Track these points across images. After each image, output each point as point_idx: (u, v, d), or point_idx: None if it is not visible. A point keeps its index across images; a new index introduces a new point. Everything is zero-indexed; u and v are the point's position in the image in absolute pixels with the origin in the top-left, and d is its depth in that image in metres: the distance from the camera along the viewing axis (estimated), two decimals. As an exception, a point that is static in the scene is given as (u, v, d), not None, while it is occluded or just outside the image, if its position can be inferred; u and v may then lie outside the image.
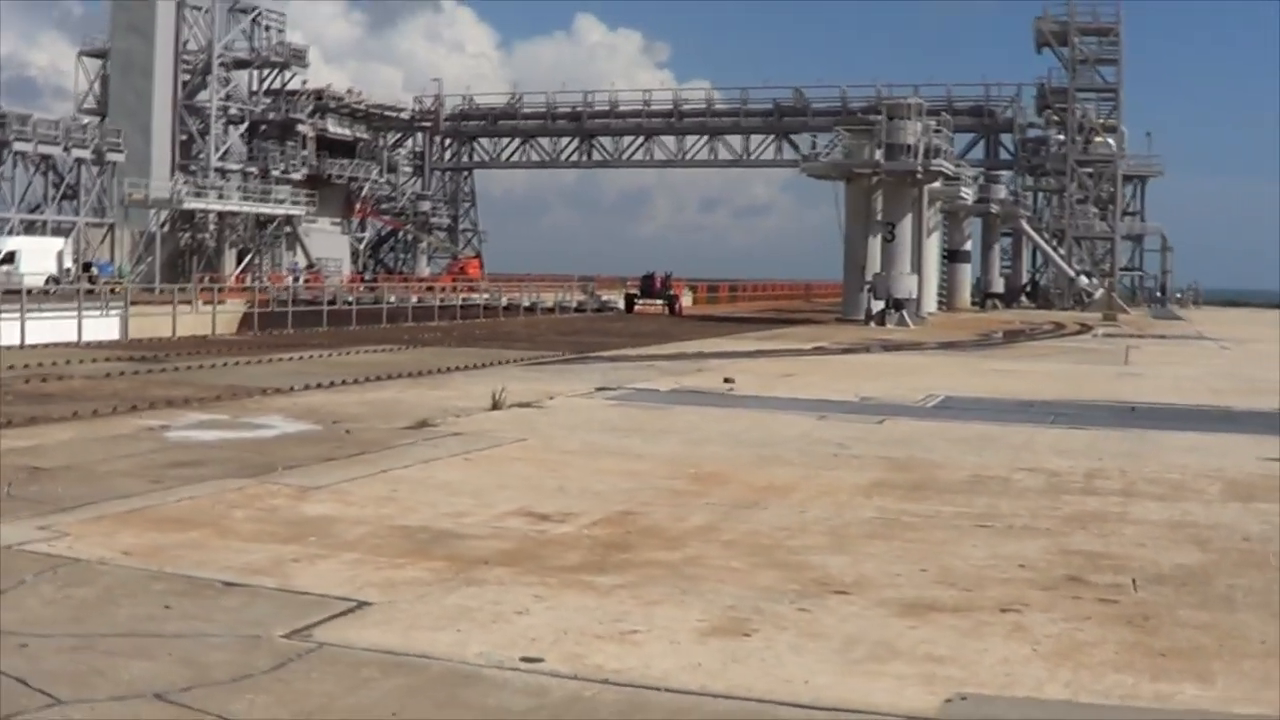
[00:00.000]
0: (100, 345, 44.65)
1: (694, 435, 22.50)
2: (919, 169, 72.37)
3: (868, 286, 71.25)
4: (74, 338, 47.42)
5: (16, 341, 42.63)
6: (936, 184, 78.85)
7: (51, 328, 48.41)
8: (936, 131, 74.72)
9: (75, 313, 50.57)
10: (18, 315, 45.28)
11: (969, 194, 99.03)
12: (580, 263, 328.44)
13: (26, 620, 9.98)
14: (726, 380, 32.56)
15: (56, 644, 9.44)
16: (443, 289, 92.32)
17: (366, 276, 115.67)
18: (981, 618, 11.04)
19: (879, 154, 71.90)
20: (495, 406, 25.01)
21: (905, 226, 71.88)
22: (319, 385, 29.41)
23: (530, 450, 20.03)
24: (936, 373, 38.50)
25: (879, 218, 73.12)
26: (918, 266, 73.22)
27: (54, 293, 64.29)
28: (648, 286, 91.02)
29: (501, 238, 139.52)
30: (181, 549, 12.55)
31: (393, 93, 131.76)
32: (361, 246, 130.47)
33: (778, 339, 54.54)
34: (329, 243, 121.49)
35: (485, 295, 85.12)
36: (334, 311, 65.90)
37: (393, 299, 76.97)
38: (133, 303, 58.41)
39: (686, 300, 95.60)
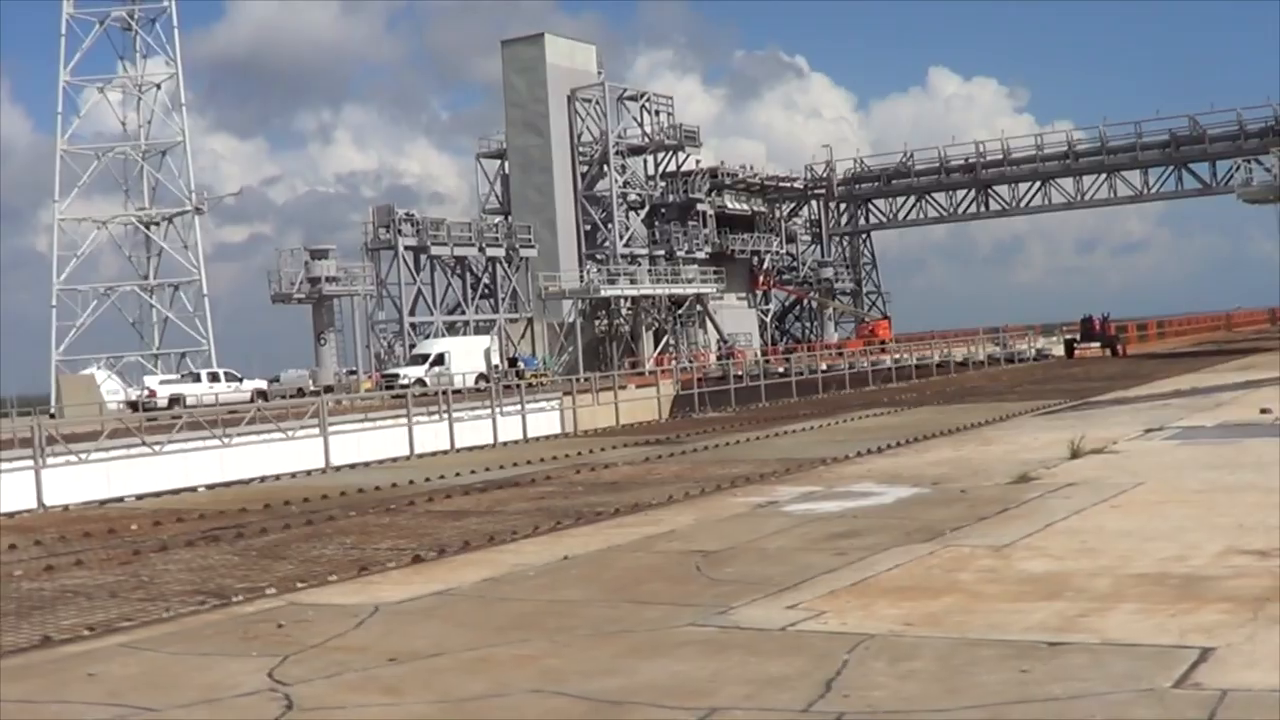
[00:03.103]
0: (593, 434, 45.32)
1: (1302, 466, 21.87)
2: (1363, 181, 69.44)
3: (1323, 307, 69.43)
4: (542, 431, 48.23)
5: (518, 435, 43.71)
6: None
7: (519, 422, 49.40)
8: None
9: (541, 407, 51.61)
10: (516, 412, 46.44)
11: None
12: (962, 315, 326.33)
13: (901, 697, 9.92)
14: (1263, 410, 31.73)
15: (956, 715, 9.37)
16: (853, 353, 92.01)
17: (780, 348, 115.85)
18: None
19: (1318, 170, 69.70)
20: (1074, 455, 24.69)
21: (1357, 242, 69.56)
22: (870, 451, 29.47)
23: (1160, 493, 19.66)
24: None
25: (1324, 236, 70.91)
26: (1373, 282, 70.95)
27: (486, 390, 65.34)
28: (1088, 330, 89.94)
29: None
30: (953, 614, 12.46)
31: (758, 165, 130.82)
32: (768, 319, 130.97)
33: (1251, 369, 53.00)
34: (737, 317, 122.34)
35: (928, 355, 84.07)
36: (780, 384, 65.83)
37: (824, 366, 76.93)
38: (565, 393, 59.18)
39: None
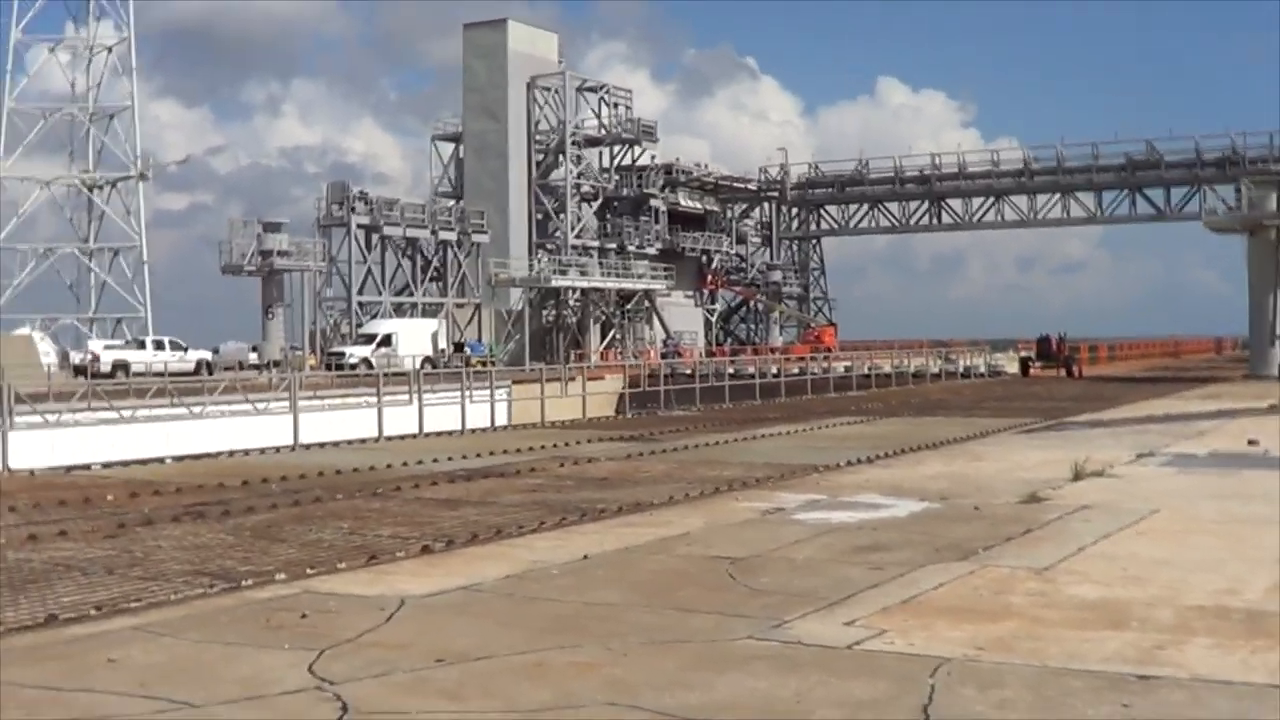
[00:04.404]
0: (558, 426, 44.77)
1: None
2: (1335, 217, 69.51)
3: (1280, 340, 69.69)
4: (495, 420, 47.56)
5: (483, 424, 43.17)
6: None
7: (479, 409, 48.70)
8: (1344, 176, 72.11)
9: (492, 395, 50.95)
10: (484, 400, 45.89)
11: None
12: (900, 326, 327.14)
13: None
14: (1251, 442, 31.75)
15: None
16: (799, 359, 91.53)
17: (726, 348, 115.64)
18: None
19: (1289, 204, 69.80)
20: (1077, 477, 24.51)
21: (1317, 277, 69.79)
22: (859, 461, 29.18)
23: (1179, 522, 19.46)
24: None
25: (1290, 270, 71.11)
26: (1330, 318, 71.07)
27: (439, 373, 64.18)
28: (1044, 349, 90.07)
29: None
30: (1022, 640, 12.10)
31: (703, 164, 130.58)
32: (713, 318, 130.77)
33: (1215, 398, 53.20)
34: (684, 315, 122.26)
35: (880, 364, 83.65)
36: (741, 385, 65.09)
37: (774, 370, 76.44)
38: (515, 382, 58.67)
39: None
